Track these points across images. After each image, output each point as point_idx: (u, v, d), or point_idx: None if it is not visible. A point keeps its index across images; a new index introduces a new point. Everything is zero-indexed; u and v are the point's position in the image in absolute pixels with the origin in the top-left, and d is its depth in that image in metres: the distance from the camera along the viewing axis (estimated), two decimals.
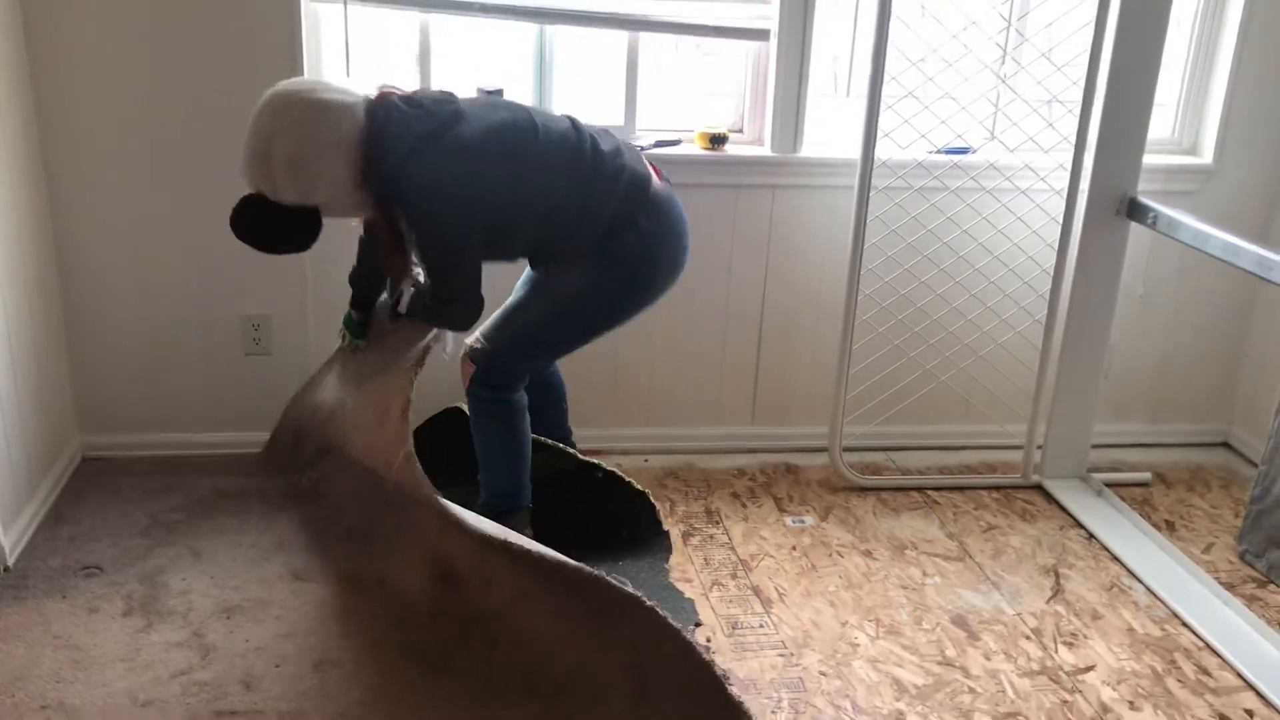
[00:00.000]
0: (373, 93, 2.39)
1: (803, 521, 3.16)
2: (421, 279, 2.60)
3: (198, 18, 2.95)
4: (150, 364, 3.24)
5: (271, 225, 2.35)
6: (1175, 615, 2.77)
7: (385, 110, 2.35)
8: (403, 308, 2.66)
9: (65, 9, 2.90)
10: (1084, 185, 3.15)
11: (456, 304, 2.52)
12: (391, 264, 2.55)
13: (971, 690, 2.47)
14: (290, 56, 3.00)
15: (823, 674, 2.50)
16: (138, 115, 3.02)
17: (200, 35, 2.97)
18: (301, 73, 3.02)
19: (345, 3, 3.01)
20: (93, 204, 3.07)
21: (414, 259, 2.54)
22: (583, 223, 2.52)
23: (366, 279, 2.82)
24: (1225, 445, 3.75)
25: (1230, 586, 2.90)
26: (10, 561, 2.66)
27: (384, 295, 2.86)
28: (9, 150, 2.79)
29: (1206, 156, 3.47)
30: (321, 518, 2.83)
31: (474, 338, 2.67)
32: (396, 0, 3.06)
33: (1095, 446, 3.48)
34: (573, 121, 2.54)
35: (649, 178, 2.58)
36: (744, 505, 3.23)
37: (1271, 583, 2.95)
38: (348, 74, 3.14)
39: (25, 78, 2.90)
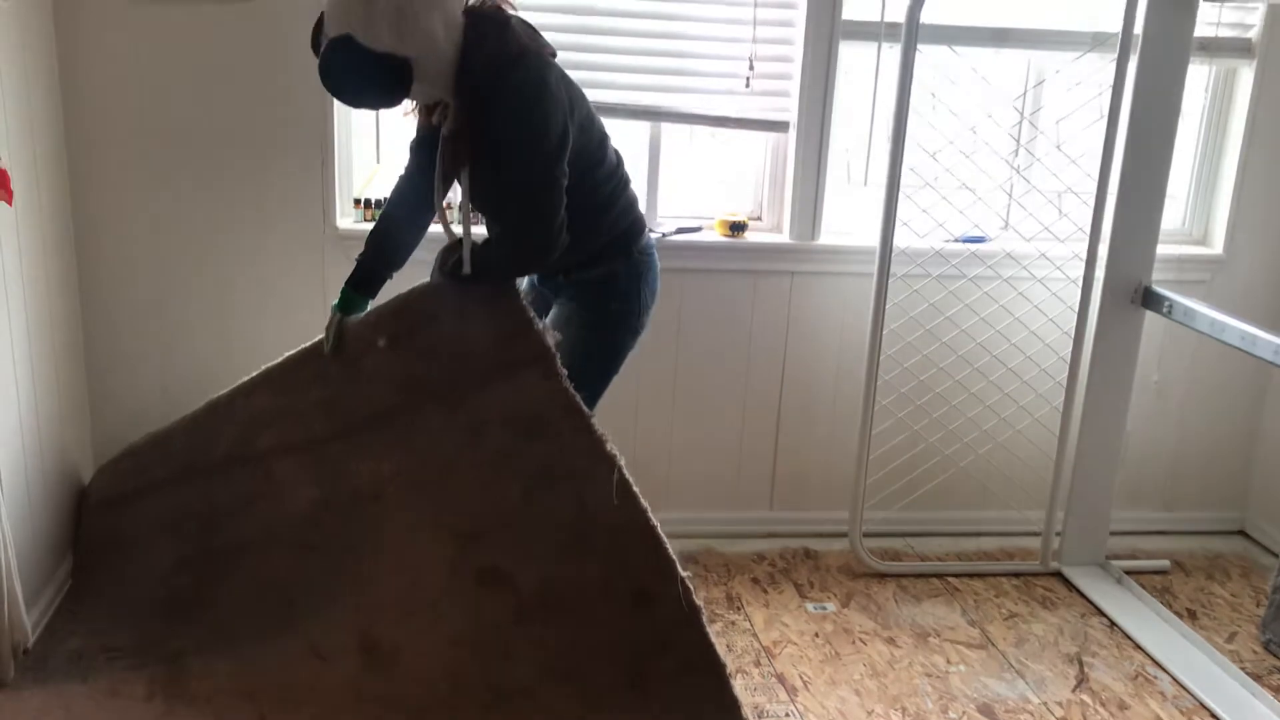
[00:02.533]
0: None
1: (824, 608, 3.15)
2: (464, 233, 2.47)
3: (232, 103, 3.02)
4: None
5: (361, 72, 2.20)
6: (1203, 705, 2.75)
7: (497, 10, 2.32)
8: (465, 265, 2.44)
9: (100, 76, 2.96)
10: (1099, 274, 3.20)
11: (539, 235, 2.33)
12: (453, 168, 2.39)
13: None
14: (321, 143, 3.07)
15: None
16: (172, 200, 3.07)
17: (234, 122, 3.04)
18: (333, 156, 3.08)
19: None
20: (125, 286, 3.11)
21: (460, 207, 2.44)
22: (600, 221, 2.49)
23: (393, 235, 2.61)
24: (1242, 533, 3.74)
25: (1257, 677, 2.88)
26: (30, 643, 2.64)
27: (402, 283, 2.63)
28: (46, 240, 2.83)
29: (1217, 247, 3.53)
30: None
31: None
32: None
33: (1112, 534, 3.48)
34: None
35: (645, 224, 2.62)
36: (765, 591, 3.22)
37: None
38: (377, 154, 3.21)
39: (64, 166, 2.96)
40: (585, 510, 2.43)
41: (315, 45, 2.28)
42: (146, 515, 2.82)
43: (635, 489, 2.40)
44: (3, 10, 2.44)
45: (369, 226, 3.13)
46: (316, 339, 2.63)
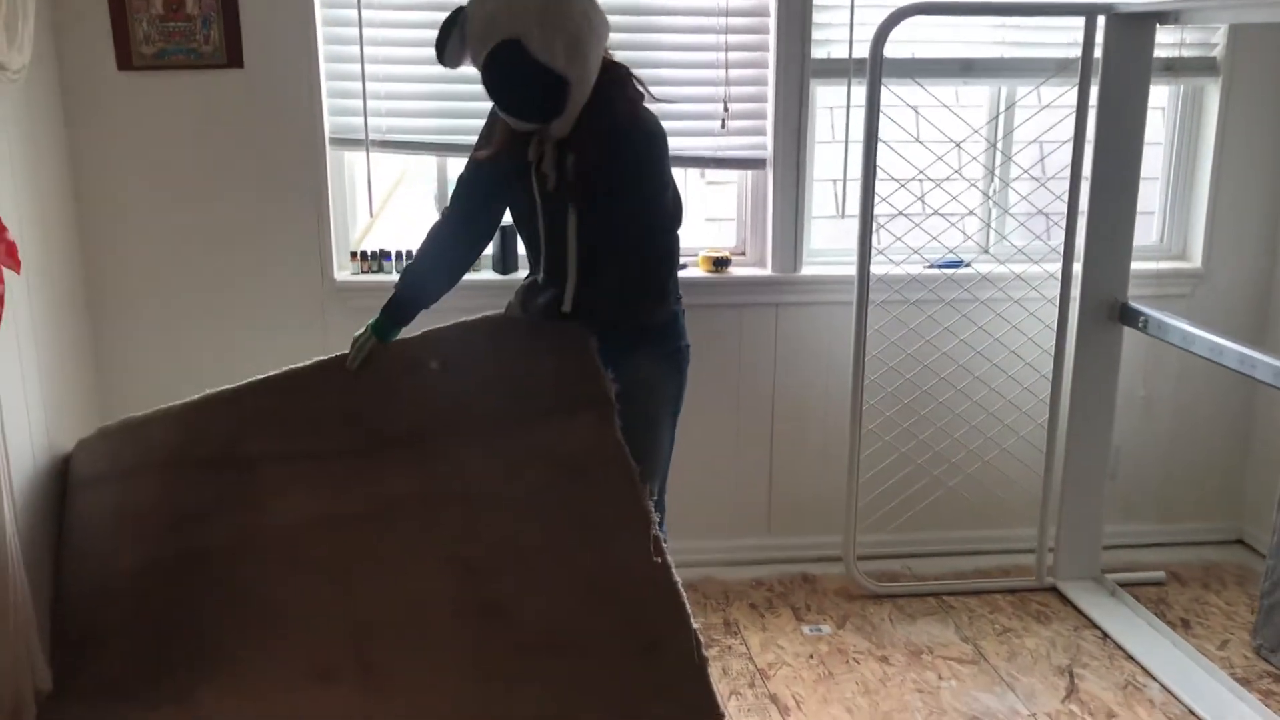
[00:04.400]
0: None
1: (820, 630, 3.22)
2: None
3: (232, 165, 3.18)
4: None
5: (526, 79, 2.28)
6: (1191, 712, 2.80)
7: (618, 65, 2.44)
8: (567, 305, 2.48)
9: (106, 143, 3.12)
10: (1075, 293, 3.27)
11: (651, 284, 2.46)
12: (561, 210, 2.45)
13: None
14: (317, 199, 3.21)
15: None
16: (176, 260, 3.23)
17: (233, 182, 3.19)
18: (328, 211, 3.23)
19: (367, 149, 3.22)
20: (133, 344, 3.26)
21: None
22: (662, 285, 2.56)
23: (434, 275, 2.60)
24: (1240, 542, 3.78)
25: (1246, 682, 2.92)
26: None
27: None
28: (57, 301, 2.99)
29: (1196, 261, 3.60)
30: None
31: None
32: (414, 147, 3.27)
33: (1110, 547, 3.53)
34: None
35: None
36: (762, 615, 3.30)
37: None
38: (370, 214, 3.35)
39: (74, 230, 3.12)
40: (609, 559, 2.45)
41: (440, 45, 2.38)
42: (106, 503, 2.77)
43: (666, 545, 2.44)
44: (13, 84, 2.60)
45: (366, 279, 3.29)
46: (339, 354, 2.63)
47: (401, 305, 2.58)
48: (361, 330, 2.60)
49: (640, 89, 2.47)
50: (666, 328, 2.60)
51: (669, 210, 2.49)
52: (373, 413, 2.62)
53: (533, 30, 2.25)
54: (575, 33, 2.28)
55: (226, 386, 2.71)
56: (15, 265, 2.45)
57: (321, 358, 2.68)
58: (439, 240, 2.62)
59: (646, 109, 2.46)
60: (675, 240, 2.58)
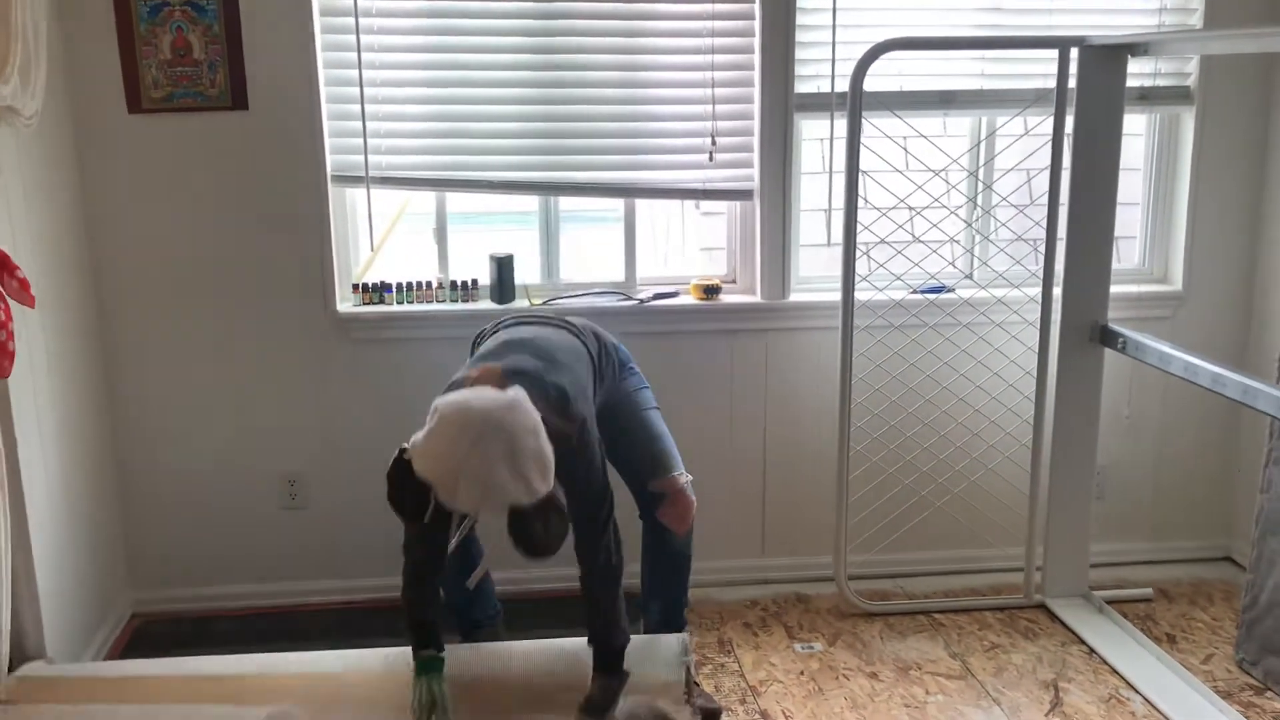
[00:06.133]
0: (485, 382, 2.38)
1: (811, 648, 3.29)
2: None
3: (238, 202, 3.31)
4: (196, 522, 3.48)
5: (549, 530, 2.25)
6: None
7: (526, 390, 2.35)
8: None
9: (117, 183, 3.26)
10: (1056, 316, 3.36)
11: (609, 509, 2.57)
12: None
13: None
14: (320, 234, 3.33)
15: None
16: (184, 294, 3.35)
17: (239, 219, 3.32)
18: (330, 245, 3.35)
19: (368, 186, 3.35)
20: (143, 377, 3.38)
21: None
22: (604, 376, 2.78)
23: (429, 590, 2.62)
24: (1228, 559, 3.84)
25: (1227, 695, 2.98)
26: None
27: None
28: (71, 333, 3.11)
29: (1176, 283, 3.68)
30: None
31: (676, 475, 2.85)
32: (413, 183, 3.39)
33: (1100, 565, 3.60)
34: (570, 328, 2.77)
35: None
36: (755, 634, 3.37)
37: (1268, 689, 3.02)
38: (371, 247, 3.47)
39: (86, 266, 3.25)
40: None
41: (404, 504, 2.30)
42: None
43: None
44: (29, 130, 2.73)
45: (368, 309, 3.41)
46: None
47: (425, 634, 2.58)
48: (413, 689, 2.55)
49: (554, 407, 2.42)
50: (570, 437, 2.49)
51: (604, 484, 2.57)
52: None
53: (511, 489, 2.19)
54: (537, 455, 2.23)
55: None
56: (30, 301, 2.57)
57: None
58: (415, 580, 2.59)
59: (568, 405, 2.45)
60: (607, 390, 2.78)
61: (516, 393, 2.30)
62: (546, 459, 2.26)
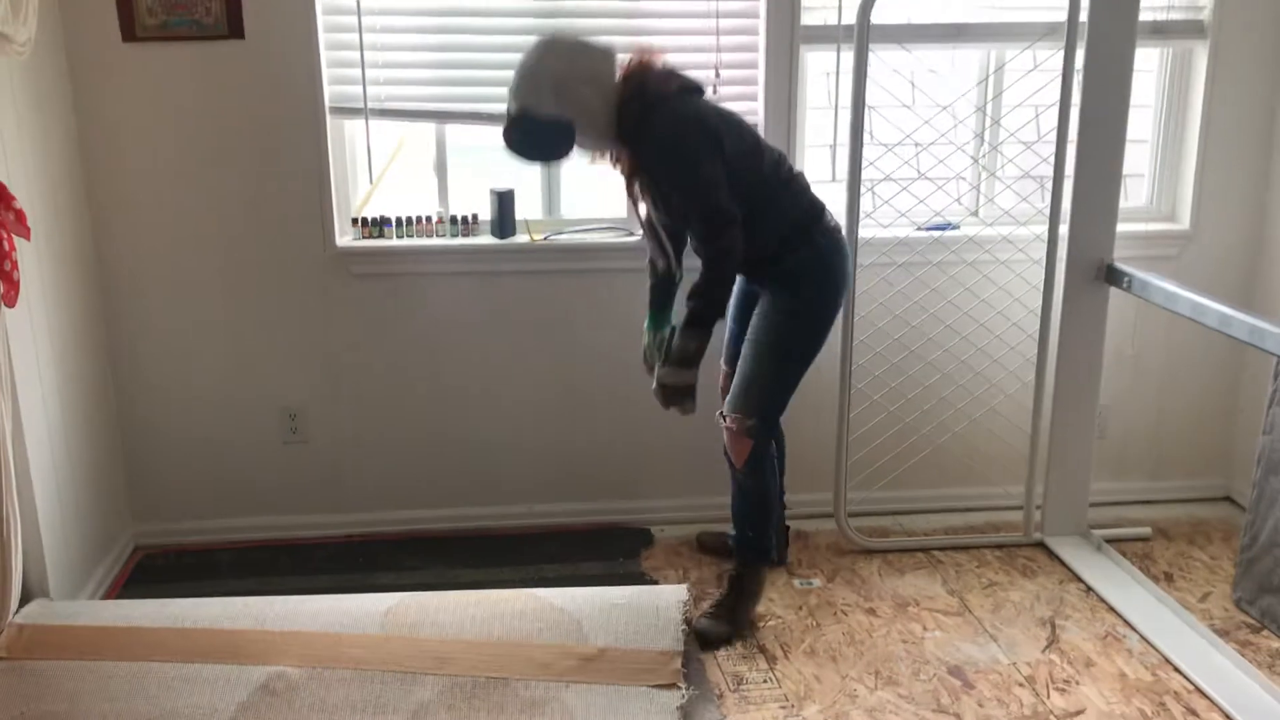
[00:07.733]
0: (634, 55, 2.79)
1: (810, 583, 3.31)
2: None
3: (235, 134, 3.26)
4: (197, 456, 3.49)
5: (535, 137, 2.72)
6: (1167, 661, 2.88)
7: (640, 66, 2.77)
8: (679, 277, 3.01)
9: (111, 113, 3.22)
10: (1062, 254, 3.33)
11: (721, 238, 2.74)
12: (635, 203, 2.93)
13: None
14: (319, 167, 3.29)
15: None
16: (182, 227, 3.32)
17: (236, 151, 3.28)
18: (329, 179, 3.31)
19: (366, 118, 3.30)
20: (141, 310, 3.37)
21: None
22: (771, 215, 2.85)
23: (651, 265, 3.08)
24: (1228, 499, 3.85)
25: (1224, 633, 3.00)
26: None
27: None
28: (68, 265, 3.09)
29: (1184, 222, 3.64)
30: None
31: (731, 417, 2.96)
32: (412, 114, 3.34)
33: (1099, 504, 3.60)
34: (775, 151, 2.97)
35: (824, 206, 2.95)
36: None
37: (1264, 628, 3.04)
38: (370, 181, 3.43)
39: (82, 197, 3.21)
40: None
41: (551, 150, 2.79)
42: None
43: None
44: (19, 57, 2.68)
45: (367, 244, 3.39)
46: None
47: (655, 295, 3.10)
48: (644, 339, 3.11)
49: (663, 85, 2.76)
50: (798, 274, 2.88)
51: (709, 179, 2.72)
52: None
53: (527, 95, 2.69)
54: (559, 75, 2.68)
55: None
56: (25, 232, 2.54)
57: None
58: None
59: (664, 98, 2.74)
60: (764, 197, 2.83)
61: (616, 54, 2.76)
62: (565, 86, 2.66)
